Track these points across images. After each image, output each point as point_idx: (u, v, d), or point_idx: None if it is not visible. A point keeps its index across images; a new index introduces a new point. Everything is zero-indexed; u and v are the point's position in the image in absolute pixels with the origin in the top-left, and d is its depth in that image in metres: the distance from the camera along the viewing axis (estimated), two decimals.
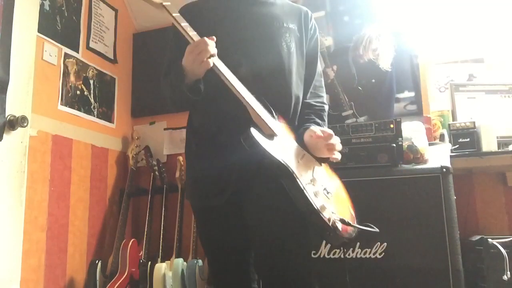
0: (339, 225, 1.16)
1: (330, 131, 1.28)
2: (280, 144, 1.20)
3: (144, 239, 2.63)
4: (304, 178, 1.18)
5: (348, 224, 1.18)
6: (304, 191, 1.14)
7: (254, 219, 1.29)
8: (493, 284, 1.87)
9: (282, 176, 1.15)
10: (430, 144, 2.08)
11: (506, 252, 1.88)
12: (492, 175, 2.37)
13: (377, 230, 1.26)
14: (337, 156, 1.30)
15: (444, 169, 1.80)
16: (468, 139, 2.16)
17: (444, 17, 2.60)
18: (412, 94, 2.55)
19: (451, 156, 2.02)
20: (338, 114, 2.65)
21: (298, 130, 1.36)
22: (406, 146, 1.97)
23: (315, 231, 1.22)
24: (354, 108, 2.63)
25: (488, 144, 2.13)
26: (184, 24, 1.21)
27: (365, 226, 1.25)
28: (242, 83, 1.22)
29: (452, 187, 1.79)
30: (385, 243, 1.81)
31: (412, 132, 2.05)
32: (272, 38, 1.37)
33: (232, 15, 1.39)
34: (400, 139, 1.92)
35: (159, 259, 2.56)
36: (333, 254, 1.85)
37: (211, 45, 1.17)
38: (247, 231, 1.31)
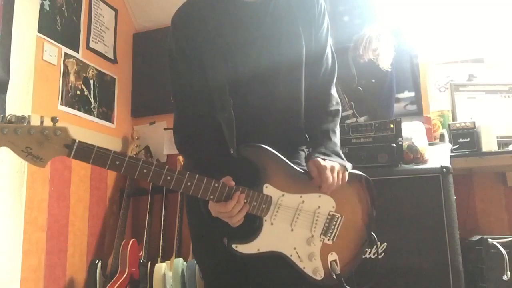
0: (333, 277, 1.25)
1: (326, 171, 1.19)
2: (268, 228, 1.18)
3: (144, 239, 2.63)
4: (298, 249, 1.22)
5: (340, 280, 1.24)
6: (298, 268, 1.22)
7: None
8: (493, 284, 1.87)
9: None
10: (430, 144, 2.08)
11: (506, 252, 1.88)
12: (492, 175, 2.37)
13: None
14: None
15: (444, 169, 1.80)
16: (468, 139, 2.16)
17: (444, 17, 2.60)
18: (412, 94, 2.55)
19: (451, 156, 2.02)
20: None
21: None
22: (406, 146, 1.97)
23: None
24: (354, 108, 2.62)
25: (488, 144, 2.12)
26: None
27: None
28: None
29: (452, 187, 1.79)
30: (385, 243, 1.81)
31: (412, 132, 2.05)
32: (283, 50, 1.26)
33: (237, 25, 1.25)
34: (400, 139, 1.92)
35: (159, 259, 2.56)
36: None
37: (241, 214, 1.12)
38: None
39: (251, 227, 1.18)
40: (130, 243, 2.52)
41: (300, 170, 1.24)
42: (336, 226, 1.28)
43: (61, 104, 2.41)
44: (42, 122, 0.98)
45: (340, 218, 1.28)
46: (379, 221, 1.80)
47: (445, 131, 2.31)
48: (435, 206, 1.77)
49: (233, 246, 1.14)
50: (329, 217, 1.26)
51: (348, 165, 1.27)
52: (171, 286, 2.35)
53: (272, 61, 1.24)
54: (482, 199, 2.36)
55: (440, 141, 2.30)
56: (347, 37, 2.70)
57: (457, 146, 2.16)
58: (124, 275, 2.44)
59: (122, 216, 2.63)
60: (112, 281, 2.40)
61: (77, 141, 0.98)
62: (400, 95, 2.56)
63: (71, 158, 0.99)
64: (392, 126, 1.93)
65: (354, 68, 2.66)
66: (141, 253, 2.59)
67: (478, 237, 1.97)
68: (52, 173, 2.29)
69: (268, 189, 1.18)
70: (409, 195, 1.82)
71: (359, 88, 2.64)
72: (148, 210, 2.72)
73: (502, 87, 2.42)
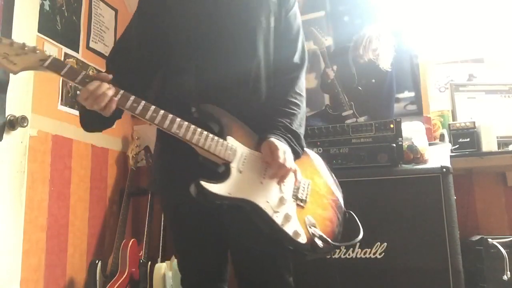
0: (319, 243, 1.15)
1: (280, 161, 1.14)
2: (236, 174, 1.14)
3: (144, 239, 2.63)
4: (271, 203, 1.15)
5: (326, 242, 1.16)
6: (274, 223, 1.12)
7: (231, 225, 1.28)
8: (493, 284, 1.87)
9: (247, 211, 1.13)
10: (430, 144, 2.08)
11: (506, 252, 1.88)
12: (492, 175, 2.37)
13: (357, 239, 1.26)
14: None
15: (444, 169, 1.80)
16: (468, 139, 2.16)
17: (444, 17, 2.60)
18: (412, 94, 2.55)
19: (451, 156, 2.02)
20: (338, 114, 2.65)
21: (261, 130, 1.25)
22: (406, 146, 1.97)
23: (291, 253, 1.19)
24: (354, 108, 2.62)
25: (488, 144, 2.13)
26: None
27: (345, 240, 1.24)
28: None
29: (452, 187, 1.78)
30: (385, 243, 1.81)
31: (412, 132, 2.05)
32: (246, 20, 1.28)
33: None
34: (400, 139, 1.92)
35: (159, 259, 2.56)
36: (333, 254, 1.85)
37: (101, 90, 1.07)
38: (223, 231, 1.30)
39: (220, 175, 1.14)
40: (130, 243, 2.52)
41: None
42: (306, 189, 1.24)
43: (61, 104, 2.41)
44: (24, 44, 1.10)
45: (308, 182, 1.25)
46: (379, 221, 1.81)
47: (445, 131, 2.31)
48: (435, 206, 1.77)
49: (202, 182, 1.07)
50: (298, 182, 1.22)
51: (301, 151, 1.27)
52: (171, 286, 2.35)
53: (230, 23, 1.27)
54: (482, 199, 2.36)
55: (440, 141, 2.30)
56: (347, 37, 2.71)
57: (457, 146, 2.17)
58: (124, 275, 2.44)
59: (122, 216, 2.63)
60: (112, 281, 2.40)
61: (52, 56, 1.09)
62: (400, 95, 2.56)
63: (45, 68, 1.08)
64: (392, 126, 1.93)
65: (354, 68, 2.67)
66: (141, 253, 2.59)
67: (478, 237, 1.98)
68: (52, 173, 2.29)
69: (231, 141, 1.17)
70: (409, 195, 1.82)
71: (359, 88, 2.64)
72: (148, 210, 2.72)
73: (502, 87, 2.42)
